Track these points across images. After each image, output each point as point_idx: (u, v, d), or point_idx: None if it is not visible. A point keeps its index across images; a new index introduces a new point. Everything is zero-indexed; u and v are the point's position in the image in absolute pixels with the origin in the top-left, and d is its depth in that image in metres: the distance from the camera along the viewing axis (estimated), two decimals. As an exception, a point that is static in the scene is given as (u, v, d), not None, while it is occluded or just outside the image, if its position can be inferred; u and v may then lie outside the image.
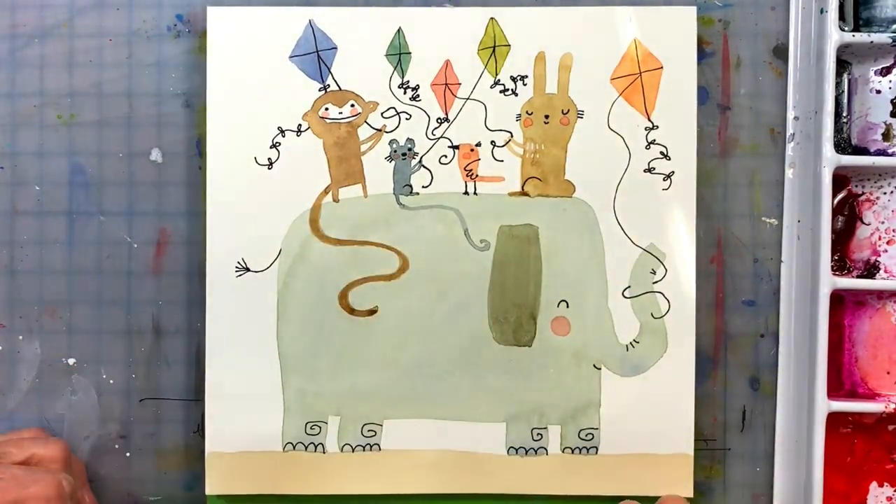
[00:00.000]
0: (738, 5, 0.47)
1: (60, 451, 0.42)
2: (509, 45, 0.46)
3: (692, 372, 0.46)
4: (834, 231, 0.46)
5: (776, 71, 0.47)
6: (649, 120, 0.46)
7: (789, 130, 0.47)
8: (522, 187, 0.47)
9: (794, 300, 0.47)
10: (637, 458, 0.46)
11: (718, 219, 0.47)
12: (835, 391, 0.47)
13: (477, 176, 0.47)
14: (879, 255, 0.47)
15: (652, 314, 0.46)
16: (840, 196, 0.47)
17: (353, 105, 0.46)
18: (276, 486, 0.46)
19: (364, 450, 0.46)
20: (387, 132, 0.47)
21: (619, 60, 0.46)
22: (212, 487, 0.46)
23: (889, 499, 0.47)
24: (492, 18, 0.46)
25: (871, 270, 0.47)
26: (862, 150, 0.47)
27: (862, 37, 0.45)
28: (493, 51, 0.46)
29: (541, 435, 0.46)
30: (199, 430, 0.47)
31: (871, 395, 0.47)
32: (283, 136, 0.46)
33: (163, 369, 0.47)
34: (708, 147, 0.47)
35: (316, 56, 0.46)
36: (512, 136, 0.47)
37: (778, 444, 0.47)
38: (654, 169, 0.46)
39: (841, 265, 0.47)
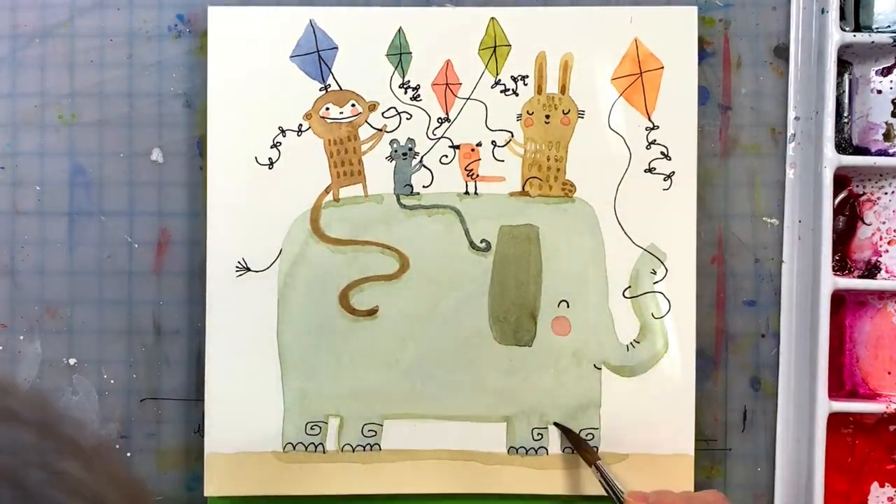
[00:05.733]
0: (739, 5, 0.47)
1: None
2: (510, 45, 0.46)
3: (693, 372, 0.46)
4: (835, 231, 0.46)
5: (777, 71, 0.47)
6: (650, 120, 0.46)
7: (790, 130, 0.47)
8: (523, 187, 0.47)
9: (795, 300, 0.47)
10: (638, 458, 0.46)
11: (719, 219, 0.47)
12: (836, 391, 0.47)
13: (477, 176, 0.47)
14: (880, 256, 0.47)
15: (652, 314, 0.46)
16: (841, 196, 0.47)
17: (353, 105, 0.46)
18: (276, 487, 0.46)
19: (364, 450, 0.46)
20: (387, 132, 0.47)
21: (619, 60, 0.46)
22: (211, 489, 0.46)
23: (890, 499, 0.47)
24: (492, 18, 0.46)
25: (872, 271, 0.47)
26: (863, 151, 0.47)
27: (863, 37, 0.45)
28: (494, 51, 0.46)
29: (541, 435, 0.46)
30: (200, 430, 0.47)
31: (872, 396, 0.47)
32: (284, 136, 0.46)
33: (163, 369, 0.47)
34: (709, 147, 0.47)
35: (317, 56, 0.46)
36: (513, 136, 0.47)
37: (779, 445, 0.47)
38: (655, 169, 0.46)
39: (842, 265, 0.47)
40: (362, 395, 0.46)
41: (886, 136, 0.47)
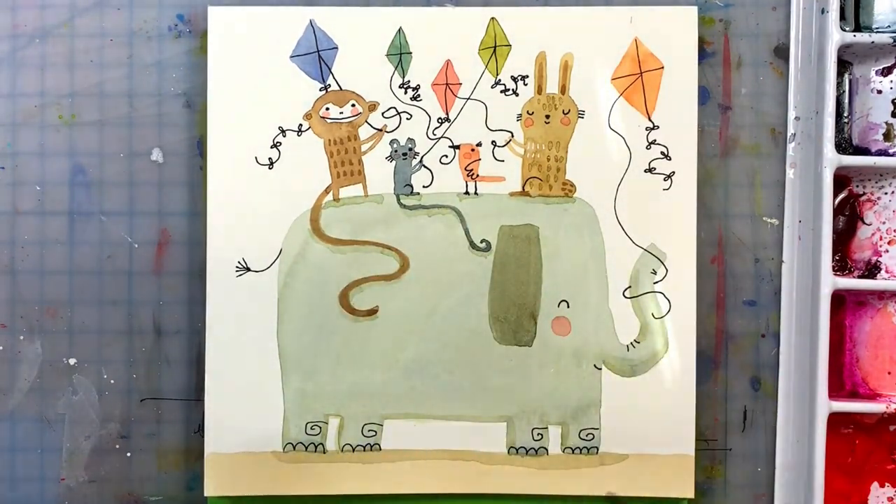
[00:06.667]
0: (739, 5, 0.47)
1: None
2: (510, 45, 0.46)
3: (693, 372, 0.46)
4: (835, 231, 0.46)
5: (777, 71, 0.47)
6: (650, 120, 0.46)
7: (790, 130, 0.47)
8: (523, 187, 0.47)
9: (795, 300, 0.47)
10: (638, 459, 0.46)
11: (719, 219, 0.47)
12: (836, 391, 0.47)
13: (477, 176, 0.47)
14: (880, 256, 0.47)
15: (653, 314, 0.46)
16: (841, 196, 0.47)
17: (353, 105, 0.47)
18: (276, 487, 0.46)
19: (364, 450, 0.46)
20: (387, 132, 0.47)
21: (619, 60, 0.46)
22: (211, 489, 0.46)
23: (890, 499, 0.47)
24: (492, 18, 0.46)
25: (872, 271, 0.47)
26: (863, 151, 0.47)
27: (863, 37, 0.45)
28: (494, 51, 0.46)
29: (541, 435, 0.46)
30: (200, 430, 0.47)
31: (872, 396, 0.47)
32: (284, 136, 0.46)
33: (163, 369, 0.47)
34: (709, 147, 0.47)
35: (317, 56, 0.46)
36: (513, 136, 0.47)
37: (779, 445, 0.47)
38: (655, 169, 0.46)
39: (842, 265, 0.47)
40: (362, 395, 0.46)
41: (886, 136, 0.47)
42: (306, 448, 0.46)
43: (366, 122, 0.47)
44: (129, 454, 0.48)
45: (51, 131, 0.47)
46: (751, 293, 0.47)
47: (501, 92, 0.47)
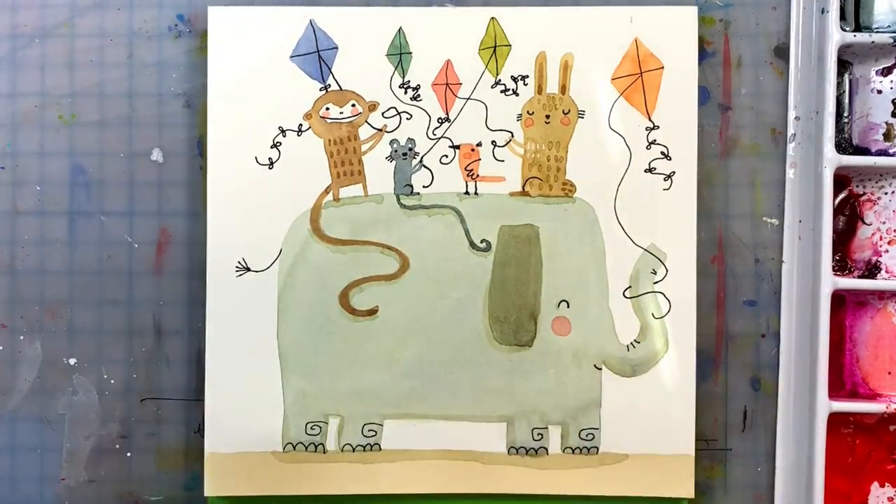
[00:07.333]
0: (739, 5, 0.47)
1: None
2: (510, 45, 0.46)
3: (693, 372, 0.46)
4: (835, 231, 0.46)
5: (777, 71, 0.47)
6: (650, 120, 0.46)
7: (790, 130, 0.47)
8: (523, 187, 0.47)
9: (796, 300, 0.47)
10: (638, 459, 0.46)
11: (719, 219, 0.47)
12: (836, 391, 0.47)
13: (478, 176, 0.47)
14: (880, 256, 0.47)
15: (653, 314, 0.46)
16: (841, 196, 0.47)
17: (353, 105, 0.47)
18: (276, 487, 0.46)
19: (364, 450, 0.46)
20: (387, 132, 0.47)
21: (619, 60, 0.46)
22: (211, 488, 0.46)
23: (890, 499, 0.47)
24: (492, 18, 0.46)
25: (872, 271, 0.47)
26: (863, 151, 0.47)
27: (863, 37, 0.45)
28: (494, 51, 0.46)
29: (541, 435, 0.46)
30: (200, 430, 0.47)
31: (873, 396, 0.47)
32: (284, 136, 0.46)
33: (163, 369, 0.47)
34: (709, 147, 0.47)
35: (317, 56, 0.46)
36: (513, 136, 0.47)
37: (779, 445, 0.47)
38: (655, 169, 0.46)
39: (842, 265, 0.47)
40: (362, 395, 0.46)
41: (886, 136, 0.47)
42: (306, 448, 0.46)
43: (366, 122, 0.47)
44: (129, 454, 0.48)
45: (51, 131, 0.47)
46: (751, 293, 0.47)
47: (501, 92, 0.46)
